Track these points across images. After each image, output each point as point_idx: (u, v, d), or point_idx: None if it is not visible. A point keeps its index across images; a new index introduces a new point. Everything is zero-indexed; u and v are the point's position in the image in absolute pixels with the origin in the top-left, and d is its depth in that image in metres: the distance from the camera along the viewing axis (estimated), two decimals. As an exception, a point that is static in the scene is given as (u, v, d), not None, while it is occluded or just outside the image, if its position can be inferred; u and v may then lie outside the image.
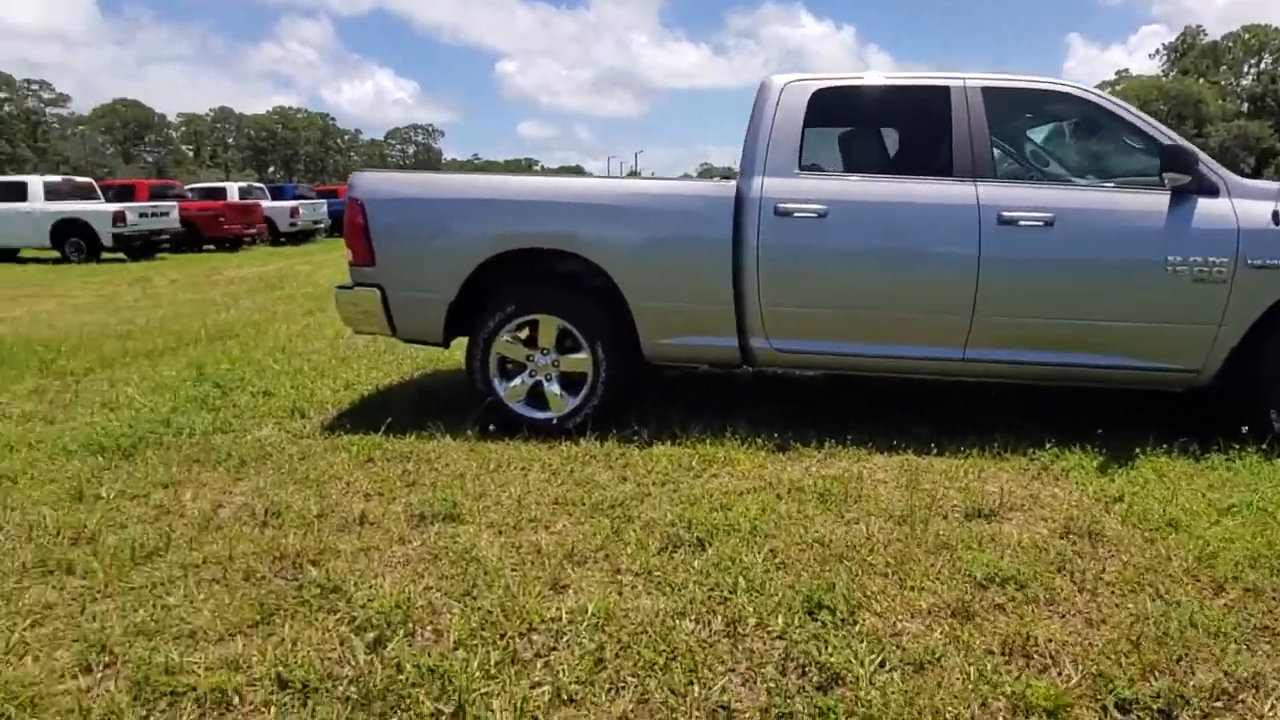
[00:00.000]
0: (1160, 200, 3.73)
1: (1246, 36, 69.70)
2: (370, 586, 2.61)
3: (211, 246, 20.85)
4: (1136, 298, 3.76)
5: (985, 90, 3.93)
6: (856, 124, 4.52)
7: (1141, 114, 3.85)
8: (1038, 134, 4.45)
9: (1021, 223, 3.77)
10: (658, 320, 4.11)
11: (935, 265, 3.87)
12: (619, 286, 4.09)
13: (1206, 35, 73.06)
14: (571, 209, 4.11)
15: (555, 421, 4.17)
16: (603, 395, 4.17)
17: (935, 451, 3.85)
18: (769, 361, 4.19)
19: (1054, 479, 3.56)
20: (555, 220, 4.11)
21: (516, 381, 4.28)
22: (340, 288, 4.40)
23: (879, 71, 4.36)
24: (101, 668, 2.20)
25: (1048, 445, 3.82)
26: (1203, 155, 3.71)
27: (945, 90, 3.95)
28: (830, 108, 4.10)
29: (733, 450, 3.90)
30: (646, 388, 5.03)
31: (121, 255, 17.73)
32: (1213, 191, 3.71)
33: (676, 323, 4.11)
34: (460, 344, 4.66)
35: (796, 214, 3.92)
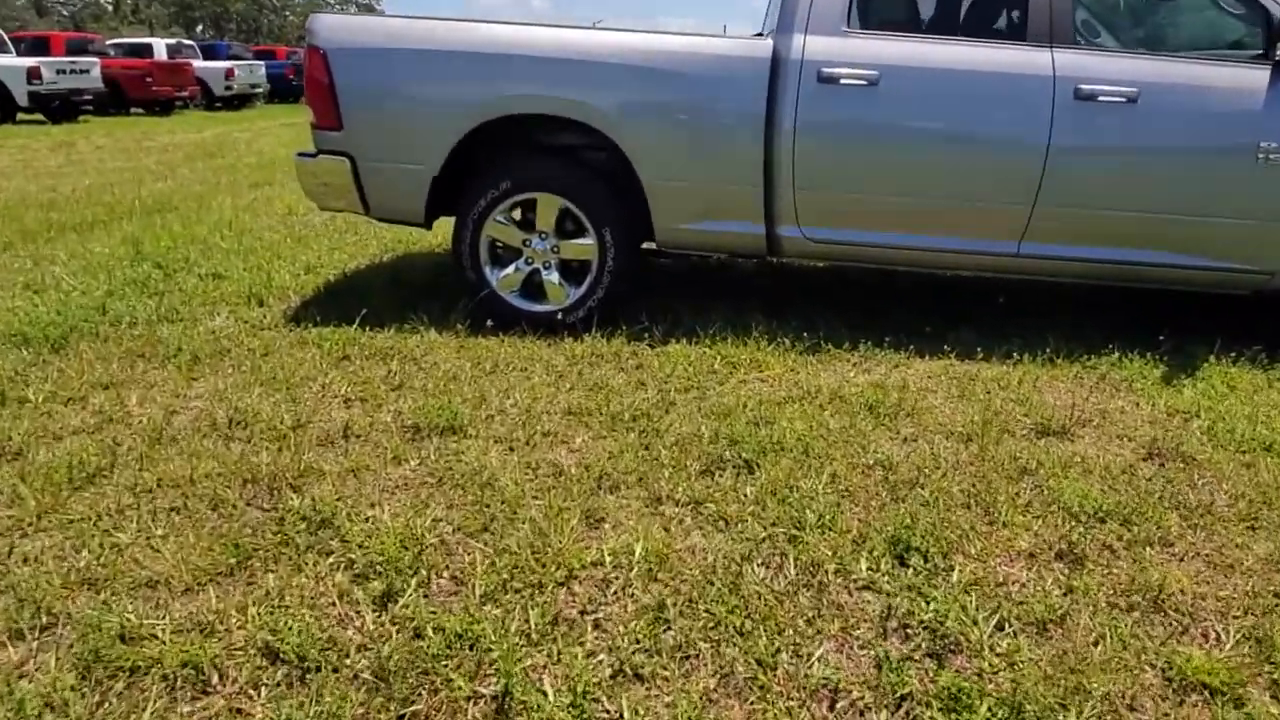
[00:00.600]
0: (1257, 76, 3.27)
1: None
2: (368, 520, 2.18)
3: (140, 110, 19.21)
4: (1217, 188, 3.35)
5: (1068, -63, 3.35)
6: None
7: (1247, -27, 3.33)
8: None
9: (1101, 98, 3.29)
10: (675, 202, 3.59)
11: (999, 144, 3.38)
12: (631, 162, 3.53)
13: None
14: (578, 69, 3.48)
15: (558, 315, 3.69)
16: (609, 286, 3.68)
17: (981, 356, 3.48)
18: (798, 253, 3.72)
19: (1116, 390, 3.23)
20: (559, 81, 3.49)
21: (510, 269, 3.75)
22: (301, 155, 3.75)
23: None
24: (38, 633, 1.75)
25: (1103, 351, 3.48)
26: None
27: (1022, -65, 3.37)
28: (885, -48, 3.50)
29: (758, 351, 3.49)
30: (654, 279, 4.55)
31: (40, 117, 16.19)
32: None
33: (696, 205, 3.59)
34: (441, 227, 4.11)
35: (843, 80, 3.37)
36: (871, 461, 2.57)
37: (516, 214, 3.75)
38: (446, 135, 3.55)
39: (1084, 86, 3.28)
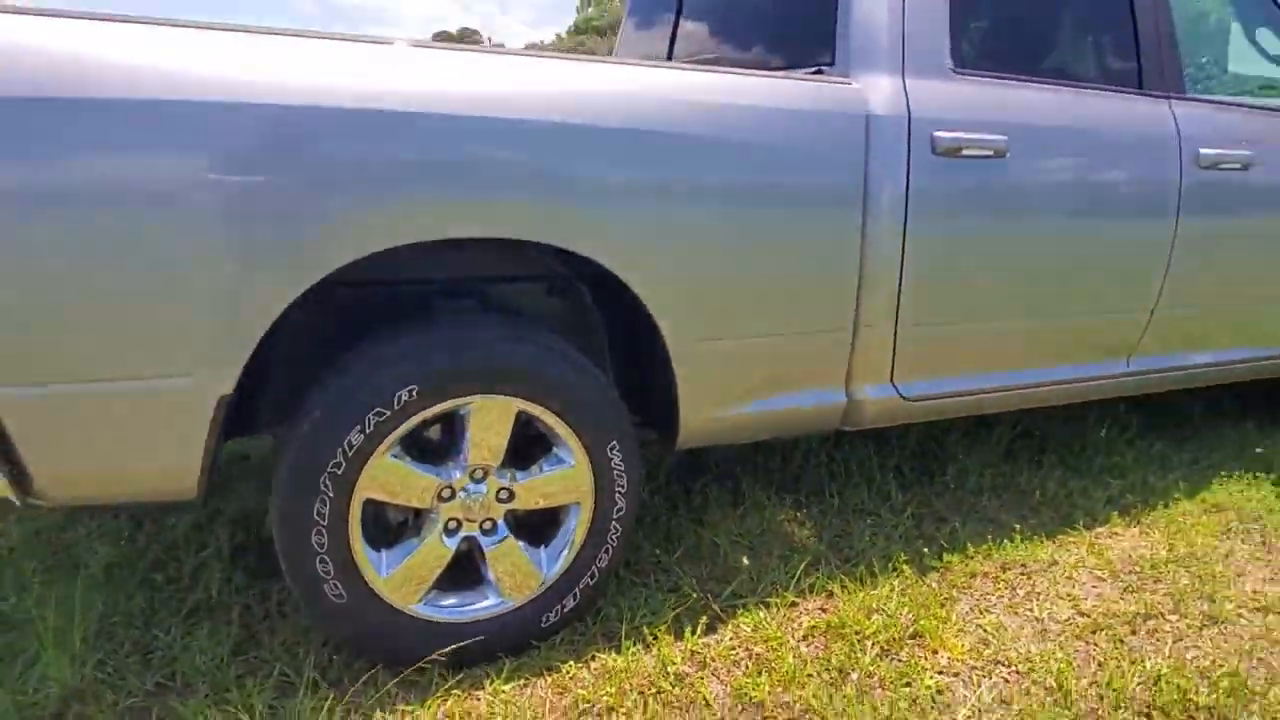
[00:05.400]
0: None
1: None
2: None
3: None
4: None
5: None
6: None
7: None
8: (1223, 26, 3.02)
9: (1222, 165, 2.49)
10: (724, 372, 1.98)
11: (1129, 230, 2.41)
12: (654, 316, 1.85)
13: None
14: (557, 141, 1.68)
15: (514, 617, 1.85)
16: (619, 543, 1.95)
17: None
18: (883, 420, 2.32)
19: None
20: (517, 177, 1.65)
21: (416, 551, 1.78)
22: None
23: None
24: None
25: None
26: None
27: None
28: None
29: (897, 603, 2.07)
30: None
31: None
32: None
33: (762, 372, 2.03)
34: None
35: (966, 151, 2.10)
36: None
37: (418, 437, 1.81)
38: (258, 301, 1.50)
39: (1205, 150, 2.45)
